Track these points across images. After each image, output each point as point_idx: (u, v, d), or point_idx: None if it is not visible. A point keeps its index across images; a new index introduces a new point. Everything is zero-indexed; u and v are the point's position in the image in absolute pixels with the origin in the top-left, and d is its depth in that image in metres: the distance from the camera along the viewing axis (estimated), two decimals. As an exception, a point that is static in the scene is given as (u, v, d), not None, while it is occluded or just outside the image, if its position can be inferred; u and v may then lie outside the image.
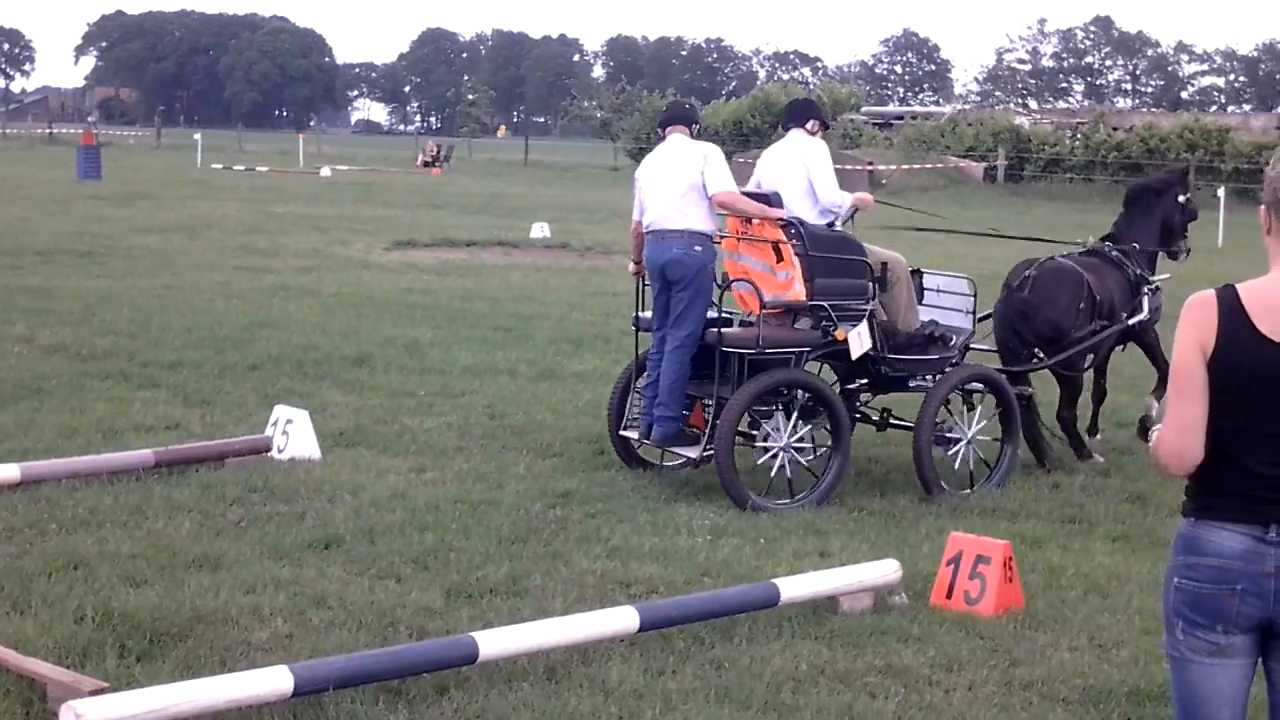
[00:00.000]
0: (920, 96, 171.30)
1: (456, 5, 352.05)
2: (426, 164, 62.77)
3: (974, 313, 10.19)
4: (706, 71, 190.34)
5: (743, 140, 62.64)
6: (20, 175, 43.92)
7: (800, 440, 9.40)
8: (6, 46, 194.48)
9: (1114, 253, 11.13)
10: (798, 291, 9.41)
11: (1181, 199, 11.48)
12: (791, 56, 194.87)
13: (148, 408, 11.34)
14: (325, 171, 52.99)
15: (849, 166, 51.44)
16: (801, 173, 9.98)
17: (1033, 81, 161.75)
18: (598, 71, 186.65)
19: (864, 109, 70.51)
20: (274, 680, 5.54)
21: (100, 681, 5.58)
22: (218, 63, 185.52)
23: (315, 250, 24.43)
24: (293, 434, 9.90)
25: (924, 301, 10.27)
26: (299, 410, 10.09)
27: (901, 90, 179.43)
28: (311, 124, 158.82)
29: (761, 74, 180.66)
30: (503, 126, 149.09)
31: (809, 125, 10.33)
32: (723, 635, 6.81)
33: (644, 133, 67.35)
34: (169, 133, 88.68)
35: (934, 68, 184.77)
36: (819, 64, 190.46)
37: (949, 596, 7.42)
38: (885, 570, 7.40)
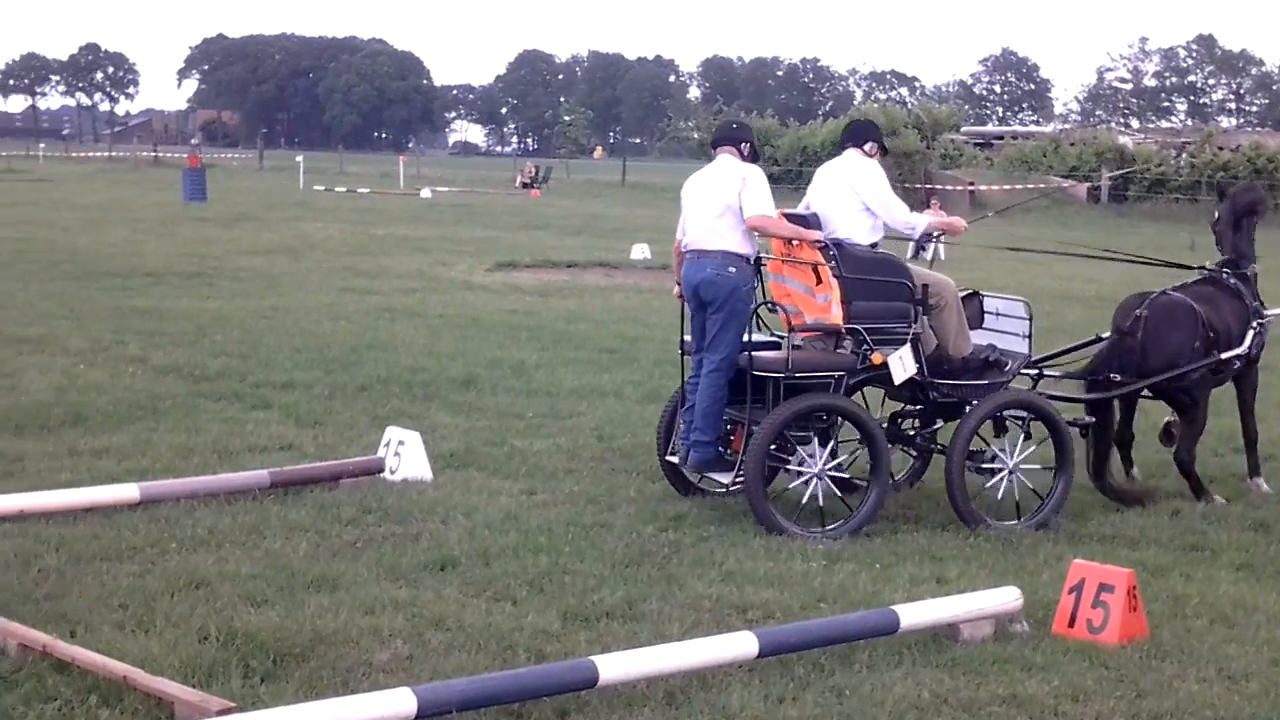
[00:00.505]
0: (1020, 116, 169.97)
1: (553, 27, 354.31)
2: (525, 185, 63.14)
3: (1030, 336, 9.78)
4: (802, 92, 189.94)
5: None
6: (127, 198, 44.71)
7: (837, 468, 9.26)
8: (111, 70, 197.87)
9: (1232, 280, 10.71)
10: (835, 314, 9.26)
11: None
12: (888, 76, 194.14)
13: (261, 428, 11.45)
14: (426, 193, 53.44)
15: (948, 186, 51.16)
16: (850, 193, 9.76)
17: (1135, 101, 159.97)
18: (693, 92, 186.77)
19: (963, 129, 70.00)
20: (398, 702, 5.55)
21: (227, 701, 5.62)
22: (318, 85, 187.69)
23: (419, 271, 24.62)
24: (405, 455, 9.95)
25: (984, 325, 9.98)
26: (411, 432, 10.14)
27: (1000, 110, 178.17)
28: (410, 145, 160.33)
29: (858, 94, 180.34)
30: (599, 147, 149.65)
31: (867, 147, 10.10)
32: (842, 662, 6.75)
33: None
34: (271, 155, 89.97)
35: (1033, 87, 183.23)
36: (916, 83, 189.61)
37: (1071, 625, 7.31)
38: (1006, 598, 7.31)
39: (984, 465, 9.55)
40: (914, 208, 10.70)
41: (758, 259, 9.72)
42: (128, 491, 8.94)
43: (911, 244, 9.95)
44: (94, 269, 22.85)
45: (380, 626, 6.93)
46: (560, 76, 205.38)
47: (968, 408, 9.53)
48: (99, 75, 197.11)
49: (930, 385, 9.50)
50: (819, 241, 9.38)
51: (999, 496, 9.49)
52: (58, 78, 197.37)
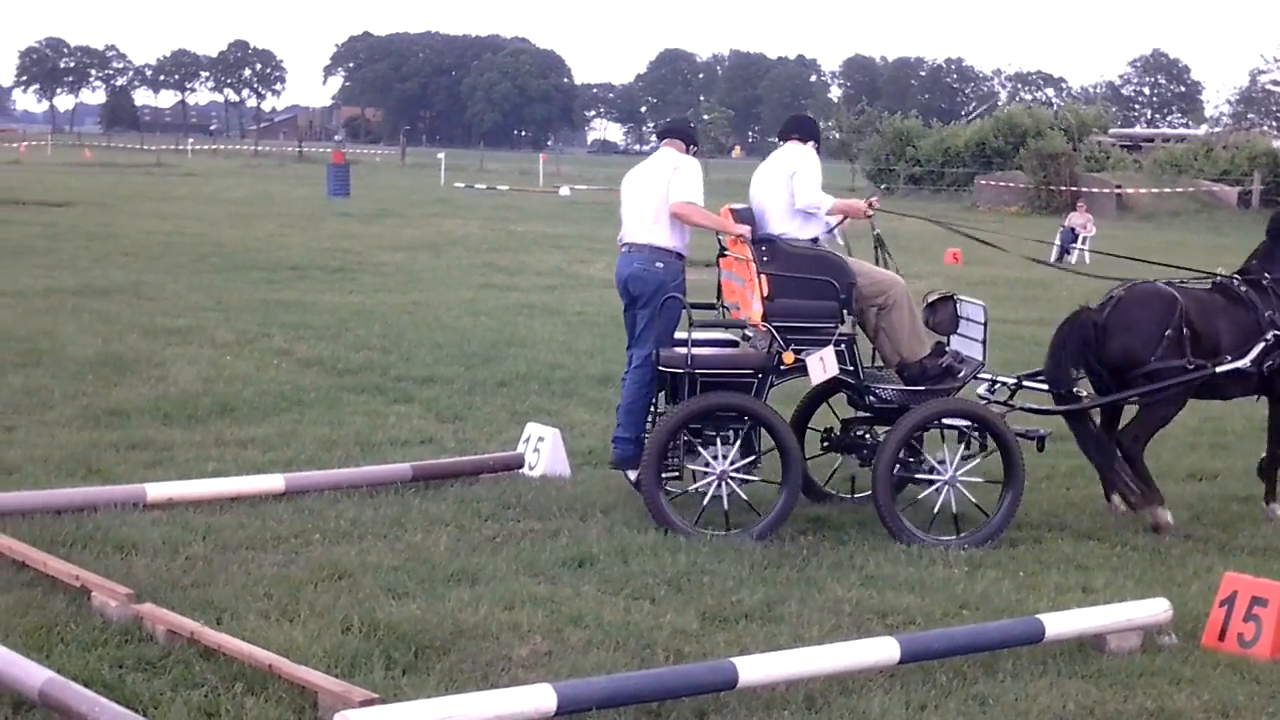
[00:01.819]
0: (1169, 119, 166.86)
1: (694, 26, 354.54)
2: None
3: (985, 342, 9.21)
4: (946, 92, 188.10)
5: (985, 162, 61.73)
6: (273, 192, 45.51)
7: (743, 469, 8.89)
8: (259, 67, 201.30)
9: (1243, 288, 9.81)
10: (754, 311, 9.00)
11: None
12: (1034, 77, 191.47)
13: (402, 422, 11.56)
14: (564, 191, 53.74)
15: (1094, 189, 50.36)
16: (784, 186, 9.36)
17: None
18: (835, 92, 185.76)
19: (1111, 130, 68.90)
20: (538, 698, 5.56)
21: (370, 692, 5.66)
22: (460, 83, 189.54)
23: (557, 269, 24.75)
24: (544, 451, 9.99)
25: (959, 331, 9.49)
26: (550, 428, 10.18)
27: (1149, 112, 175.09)
28: (549, 144, 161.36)
29: (1003, 94, 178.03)
30: (738, 147, 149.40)
31: (809, 144, 9.67)
32: (986, 670, 6.65)
33: (883, 154, 66.88)
34: (412, 151, 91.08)
35: (1183, 89, 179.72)
36: (1063, 84, 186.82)
37: (1222, 638, 7.14)
38: (1155, 609, 7.15)
39: (920, 475, 9.11)
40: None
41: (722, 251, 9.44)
42: (273, 482, 9.07)
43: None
44: (240, 262, 23.27)
45: (520, 622, 6.95)
46: (701, 76, 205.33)
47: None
48: (247, 72, 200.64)
49: (868, 390, 9.09)
50: (743, 236, 9.07)
51: (934, 509, 9.01)
52: (207, 74, 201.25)
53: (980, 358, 9.23)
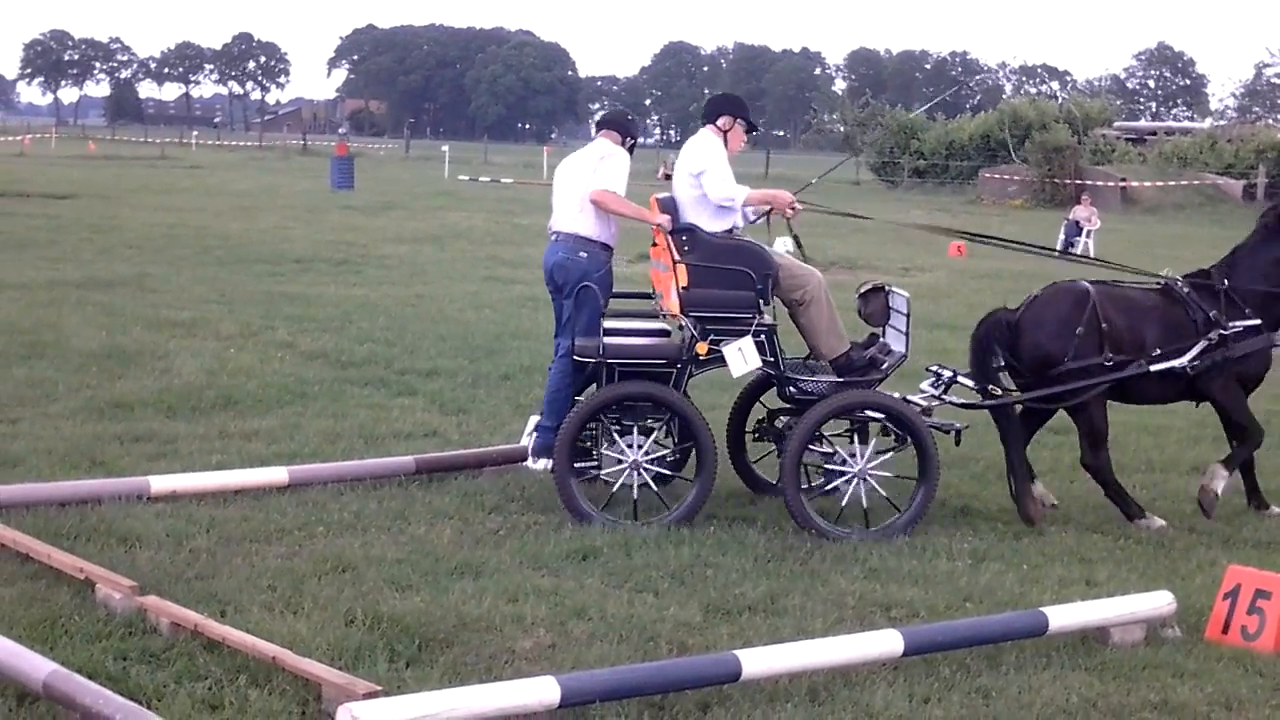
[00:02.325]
0: (1174, 112, 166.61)
1: (699, 19, 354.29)
2: (667, 177, 62.96)
3: (908, 333, 9.11)
4: (950, 85, 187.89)
5: (990, 155, 61.64)
6: (277, 185, 45.51)
7: (657, 458, 8.87)
8: (263, 59, 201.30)
9: (1185, 288, 9.58)
10: (671, 301, 8.96)
11: None
12: (1039, 70, 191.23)
13: (406, 415, 11.56)
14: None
15: (1099, 182, 50.32)
16: (693, 176, 9.22)
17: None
18: (839, 85, 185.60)
19: (1115, 124, 68.81)
20: (541, 690, 5.57)
21: (373, 685, 5.66)
22: (464, 76, 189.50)
23: (562, 261, 24.68)
24: (548, 444, 9.97)
25: (890, 323, 9.39)
26: (554, 421, 10.16)
27: (1154, 105, 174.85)
28: (553, 136, 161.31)
29: (1008, 87, 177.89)
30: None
31: (720, 122, 9.45)
32: (989, 663, 6.65)
33: (887, 146, 66.84)
34: (416, 144, 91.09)
35: (1188, 82, 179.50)
36: (1068, 77, 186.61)
37: (1225, 631, 7.14)
38: (1159, 602, 7.15)
39: (830, 467, 9.00)
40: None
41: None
42: (277, 475, 9.08)
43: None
44: (244, 255, 23.27)
45: (523, 614, 6.96)
46: (705, 68, 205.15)
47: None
48: (251, 65, 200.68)
49: (789, 381, 9.03)
50: (661, 225, 8.98)
51: (843, 502, 8.90)
52: (211, 66, 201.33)
53: (904, 350, 9.14)
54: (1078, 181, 50.03)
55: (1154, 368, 9.32)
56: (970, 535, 8.88)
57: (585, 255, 9.37)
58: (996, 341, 9.48)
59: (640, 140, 9.85)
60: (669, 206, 9.24)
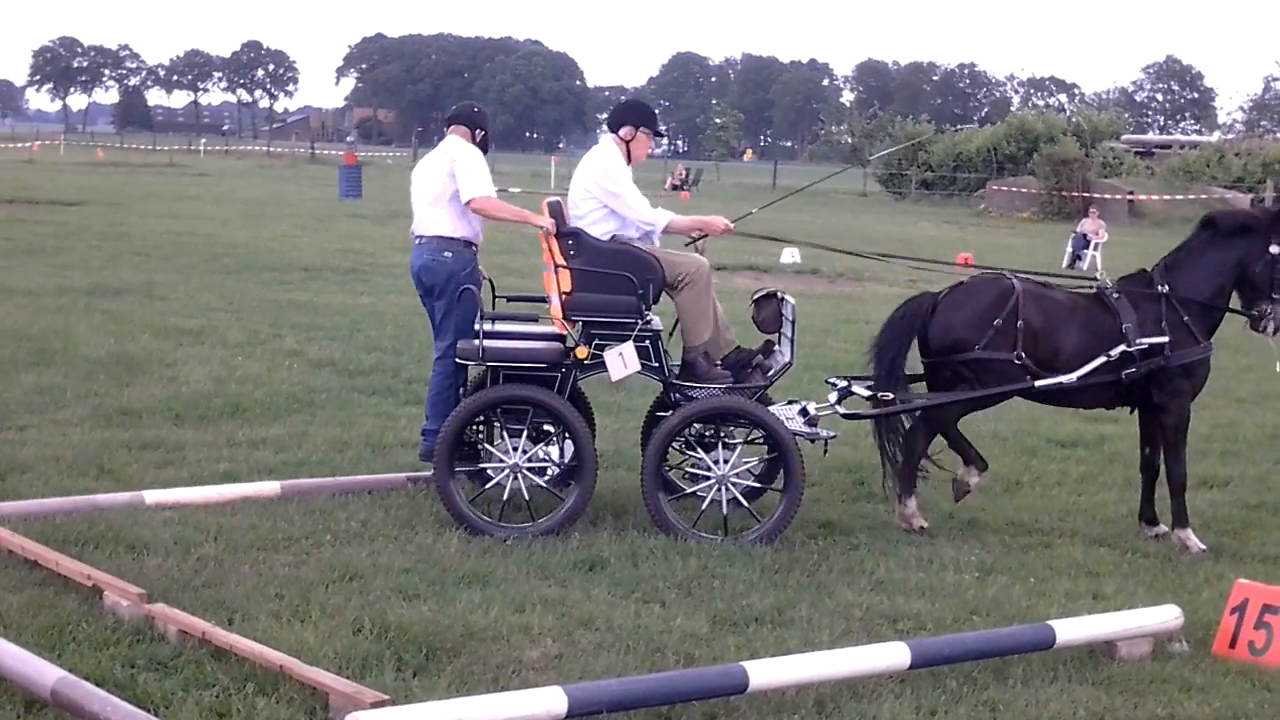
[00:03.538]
0: (1181, 125, 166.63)
1: (707, 30, 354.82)
2: (675, 187, 63.29)
3: (793, 340, 9.14)
4: (958, 97, 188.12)
5: (998, 168, 61.66)
6: (285, 193, 45.58)
7: (537, 461, 8.84)
8: (272, 67, 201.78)
9: (1115, 295, 9.33)
10: (554, 305, 8.96)
11: (1275, 250, 9.30)
12: (1047, 82, 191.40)
13: (413, 423, 11.54)
14: (576, 193, 53.62)
15: (1107, 195, 50.29)
16: (588, 182, 9.15)
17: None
18: (847, 96, 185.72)
19: (1124, 137, 68.83)
20: (548, 701, 5.56)
21: (380, 694, 5.67)
22: (473, 85, 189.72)
23: (569, 271, 24.67)
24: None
25: (782, 330, 9.38)
26: (562, 431, 10.15)
27: (1162, 119, 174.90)
28: (560, 146, 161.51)
29: (1015, 100, 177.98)
30: (749, 150, 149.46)
31: (622, 132, 9.35)
32: (996, 676, 6.64)
33: (895, 159, 66.88)
34: (424, 153, 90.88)
35: (1197, 96, 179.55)
36: (1076, 90, 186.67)
37: (1233, 646, 7.13)
38: (1166, 616, 7.14)
39: (693, 471, 8.96)
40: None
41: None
42: (270, 488, 9.11)
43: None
44: (252, 263, 23.30)
45: (530, 624, 6.96)
46: (713, 79, 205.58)
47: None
48: (260, 72, 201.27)
49: (672, 386, 8.99)
50: (544, 229, 8.91)
51: (703, 506, 8.83)
52: (220, 74, 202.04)
53: (788, 356, 9.13)
54: (1085, 194, 50.04)
55: (1039, 384, 9.16)
56: (977, 548, 8.87)
57: (450, 255, 9.43)
58: (915, 317, 9.34)
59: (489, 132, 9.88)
60: (556, 210, 9.16)
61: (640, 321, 8.88)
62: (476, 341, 8.81)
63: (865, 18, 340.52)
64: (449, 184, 9.40)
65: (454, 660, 6.48)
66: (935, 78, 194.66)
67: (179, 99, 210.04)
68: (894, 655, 6.43)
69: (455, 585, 7.52)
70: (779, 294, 9.49)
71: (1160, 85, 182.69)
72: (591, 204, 9.14)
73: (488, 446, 8.92)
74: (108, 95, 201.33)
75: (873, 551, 8.67)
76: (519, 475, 8.80)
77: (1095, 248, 31.13)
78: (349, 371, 13.75)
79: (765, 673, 6.09)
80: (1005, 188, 56.84)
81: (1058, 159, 55.19)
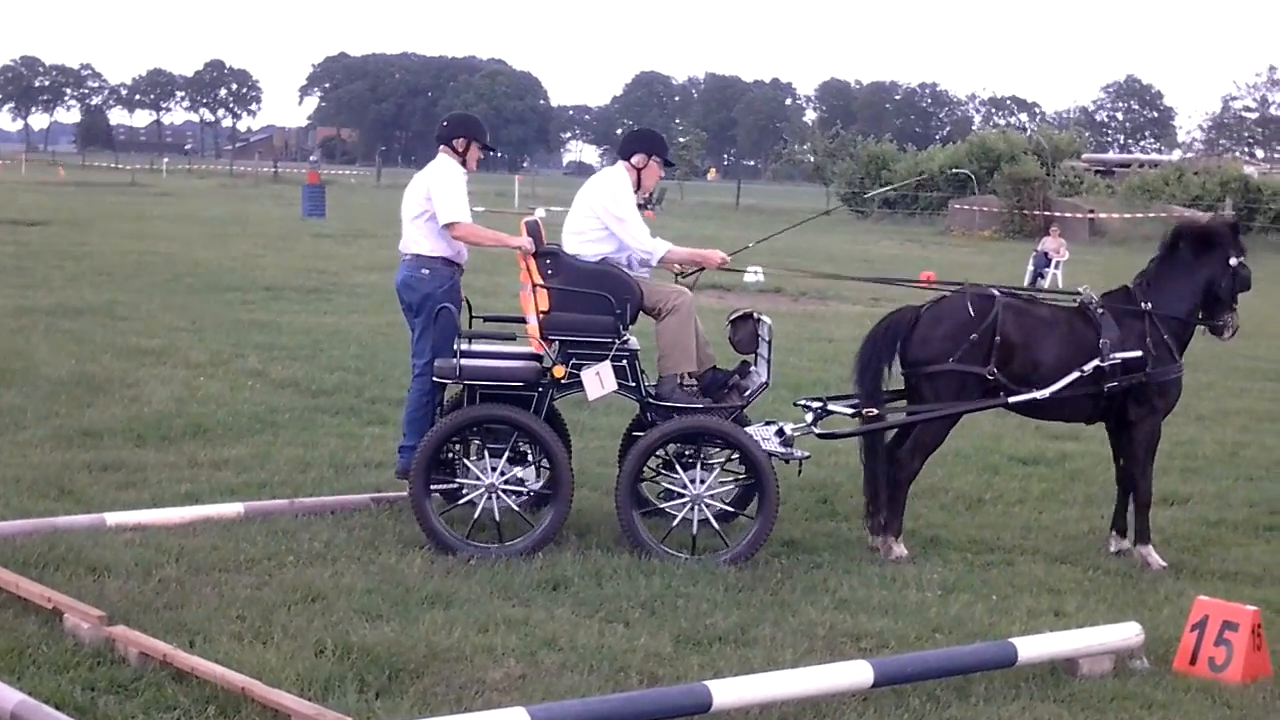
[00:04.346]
0: (1142, 144, 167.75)
1: (671, 50, 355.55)
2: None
3: (770, 360, 9.17)
4: (920, 116, 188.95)
5: (960, 187, 61.94)
6: (248, 212, 45.44)
7: (514, 482, 8.85)
8: (235, 86, 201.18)
9: (1100, 310, 9.36)
10: (531, 324, 9.01)
11: (1233, 262, 9.47)
12: (1008, 102, 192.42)
13: (376, 443, 11.55)
14: (540, 212, 53.44)
15: (1068, 214, 50.57)
16: (586, 207, 9.27)
17: (1260, 130, 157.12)
18: (810, 116, 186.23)
19: (1084, 155, 69.24)
20: (511, 722, 5.55)
21: (343, 716, 5.65)
22: (436, 104, 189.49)
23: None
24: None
25: (758, 350, 9.37)
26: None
27: (1122, 137, 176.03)
28: (525, 165, 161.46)
29: (977, 119, 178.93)
30: (713, 169, 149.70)
31: (635, 159, 9.53)
32: (959, 694, 6.67)
33: (857, 177, 67.14)
34: (388, 172, 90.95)
35: (1156, 115, 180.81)
36: (1036, 109, 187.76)
37: (1193, 663, 7.17)
38: (1127, 633, 7.18)
39: (668, 488, 9.03)
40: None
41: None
42: (233, 509, 9.08)
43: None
44: (215, 282, 23.22)
45: (494, 645, 6.95)
46: (677, 98, 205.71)
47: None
48: (223, 91, 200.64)
49: (649, 406, 9.03)
50: (522, 248, 8.94)
51: (673, 524, 8.87)
52: (183, 93, 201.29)
53: (764, 376, 9.17)
54: (1046, 213, 50.31)
55: (1012, 400, 9.21)
56: (940, 566, 8.90)
57: (427, 272, 9.52)
58: (898, 336, 9.32)
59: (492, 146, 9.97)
60: (534, 230, 9.17)
61: (618, 341, 8.90)
62: (454, 360, 8.81)
63: (828, 38, 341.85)
64: (428, 204, 9.48)
65: (417, 681, 6.46)
66: (897, 97, 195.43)
67: (141, 118, 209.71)
68: (857, 674, 6.44)
69: (418, 606, 7.50)
70: (755, 314, 9.49)
71: (1120, 104, 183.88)
72: (593, 223, 9.24)
73: (466, 463, 8.92)
74: (70, 114, 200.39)
75: (836, 570, 8.69)
76: (494, 495, 8.81)
77: (1056, 266, 31.31)
78: (312, 391, 13.71)
79: (729, 692, 6.09)
80: (967, 206, 57.12)
81: (1019, 178, 55.49)
